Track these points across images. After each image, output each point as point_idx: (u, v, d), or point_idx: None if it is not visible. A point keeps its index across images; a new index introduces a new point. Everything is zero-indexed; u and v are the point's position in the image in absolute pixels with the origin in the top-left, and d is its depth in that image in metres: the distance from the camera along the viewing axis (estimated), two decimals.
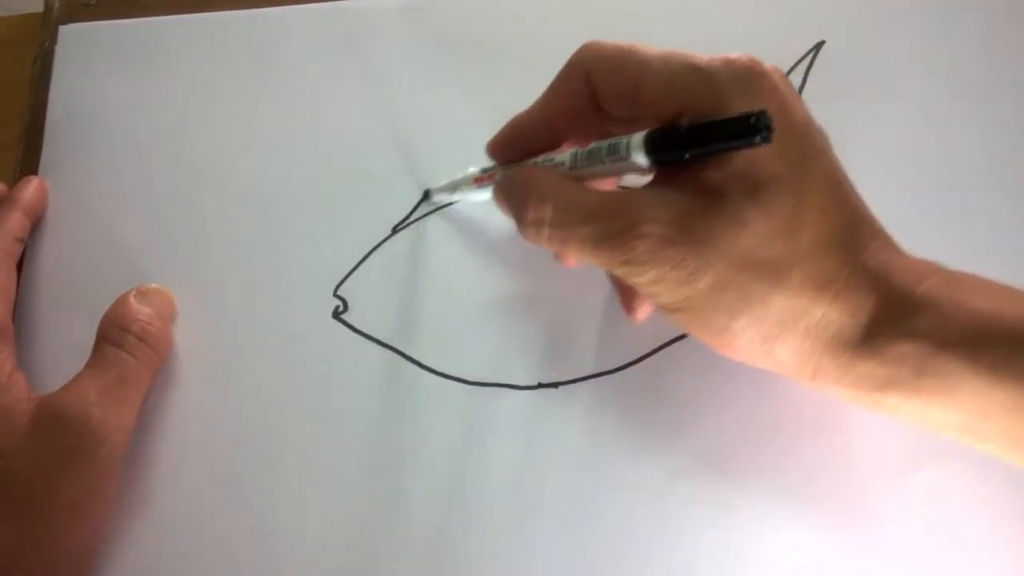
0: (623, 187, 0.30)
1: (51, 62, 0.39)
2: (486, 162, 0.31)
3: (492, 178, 0.30)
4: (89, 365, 0.31)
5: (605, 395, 0.32)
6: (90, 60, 0.39)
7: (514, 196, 0.27)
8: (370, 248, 0.35)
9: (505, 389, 0.32)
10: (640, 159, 0.24)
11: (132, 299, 0.33)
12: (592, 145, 0.26)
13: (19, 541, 0.29)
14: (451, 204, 0.35)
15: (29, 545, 0.29)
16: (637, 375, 0.32)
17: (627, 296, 0.31)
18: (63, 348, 0.34)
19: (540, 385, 0.32)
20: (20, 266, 0.36)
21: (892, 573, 0.29)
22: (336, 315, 0.34)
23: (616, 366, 0.32)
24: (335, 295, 0.34)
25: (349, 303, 0.34)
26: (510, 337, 0.33)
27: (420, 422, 0.32)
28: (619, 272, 0.25)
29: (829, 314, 0.24)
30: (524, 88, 0.37)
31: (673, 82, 0.25)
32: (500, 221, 0.35)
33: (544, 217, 0.26)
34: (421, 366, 0.33)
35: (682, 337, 0.32)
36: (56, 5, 0.41)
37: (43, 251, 0.36)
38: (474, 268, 0.34)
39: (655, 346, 0.32)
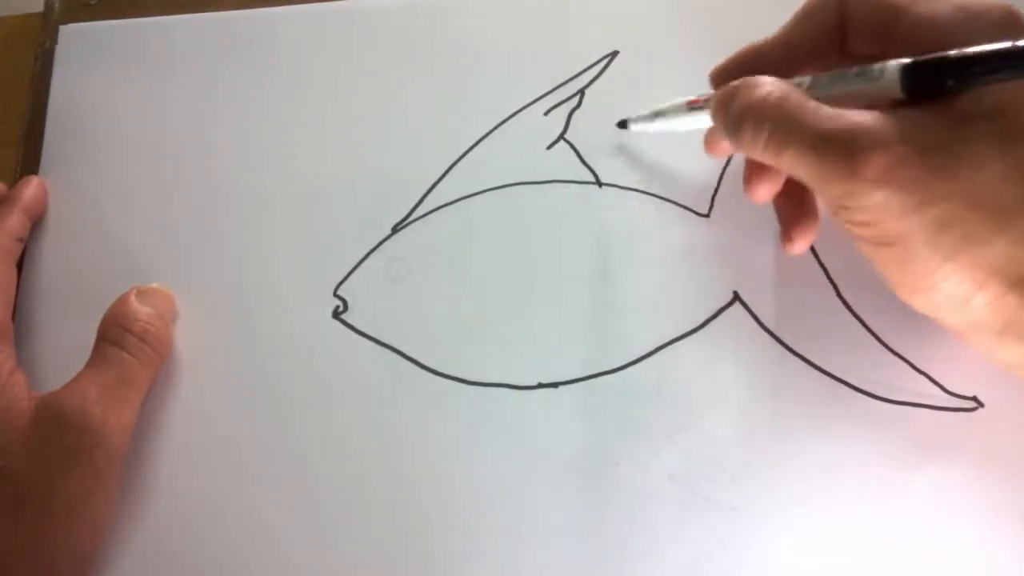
0: None
1: (51, 62, 0.39)
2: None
3: (708, 101, 0.29)
4: (89, 365, 0.31)
5: (605, 395, 0.32)
6: (90, 60, 0.39)
7: (737, 98, 0.26)
8: (370, 248, 0.35)
9: (505, 389, 0.32)
10: (894, 84, 0.24)
11: (133, 299, 0.33)
12: (837, 70, 0.26)
13: (19, 541, 0.29)
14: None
15: (29, 545, 0.29)
16: (637, 375, 0.32)
17: (791, 223, 0.31)
18: (63, 348, 0.34)
19: (540, 385, 0.32)
20: (20, 266, 0.36)
21: (892, 573, 0.29)
22: (336, 315, 0.34)
23: (616, 366, 0.32)
24: (335, 295, 0.34)
25: (349, 303, 0.34)
26: (510, 337, 0.33)
27: (420, 422, 0.32)
28: (836, 191, 0.24)
29: None
30: (524, 87, 0.37)
31: (936, 17, 0.25)
32: (504, 219, 0.35)
33: (767, 115, 0.25)
34: (421, 366, 0.33)
35: (683, 337, 0.32)
36: (56, 5, 0.41)
37: (43, 251, 0.36)
38: (474, 268, 0.34)
39: (655, 346, 0.32)
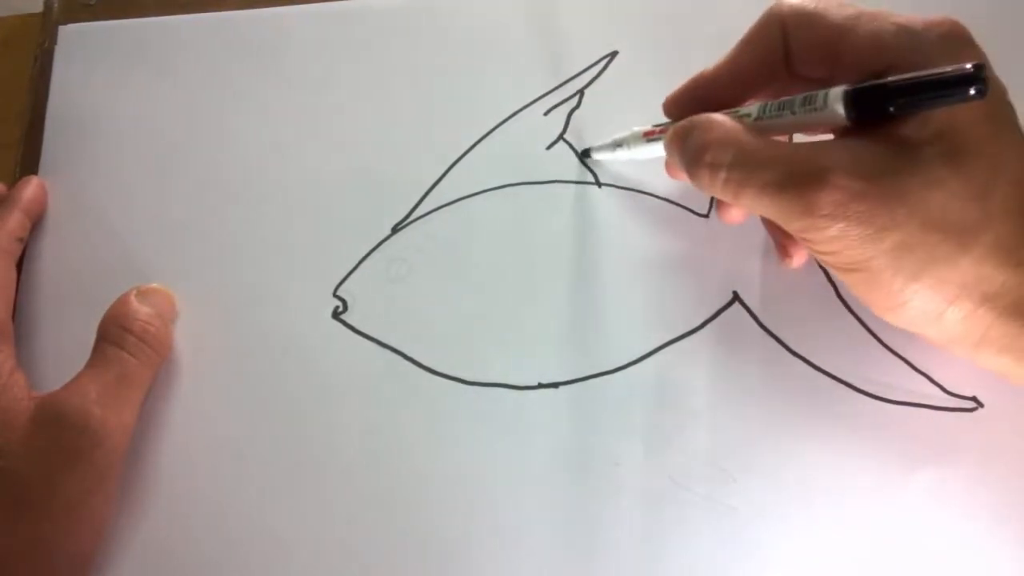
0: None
1: (51, 62, 0.39)
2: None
3: (664, 132, 0.30)
4: (89, 365, 0.31)
5: (605, 395, 0.32)
6: (90, 60, 0.39)
7: (691, 139, 0.27)
8: (370, 248, 0.35)
9: (505, 389, 0.32)
10: (839, 111, 0.24)
11: (132, 299, 0.33)
12: (784, 98, 0.26)
13: (19, 541, 0.29)
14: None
15: (29, 545, 0.29)
16: (637, 375, 0.32)
17: (783, 239, 0.31)
18: (63, 348, 0.34)
19: (540, 385, 0.32)
20: (20, 266, 0.36)
21: (891, 573, 0.29)
22: (336, 315, 0.34)
23: (616, 366, 0.32)
24: (335, 295, 0.34)
25: (349, 303, 0.34)
26: (510, 337, 0.33)
27: (419, 422, 0.32)
28: (796, 226, 0.25)
29: (1009, 282, 0.24)
30: (524, 87, 0.37)
31: (880, 38, 0.25)
32: (504, 219, 0.35)
33: (723, 160, 0.25)
34: (420, 366, 0.33)
35: (683, 337, 0.32)
36: (56, 5, 0.41)
37: (43, 251, 0.36)
38: (474, 268, 0.34)
39: (655, 346, 0.32)
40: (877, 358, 0.31)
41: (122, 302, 0.33)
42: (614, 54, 0.37)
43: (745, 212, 0.31)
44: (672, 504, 0.30)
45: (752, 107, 0.27)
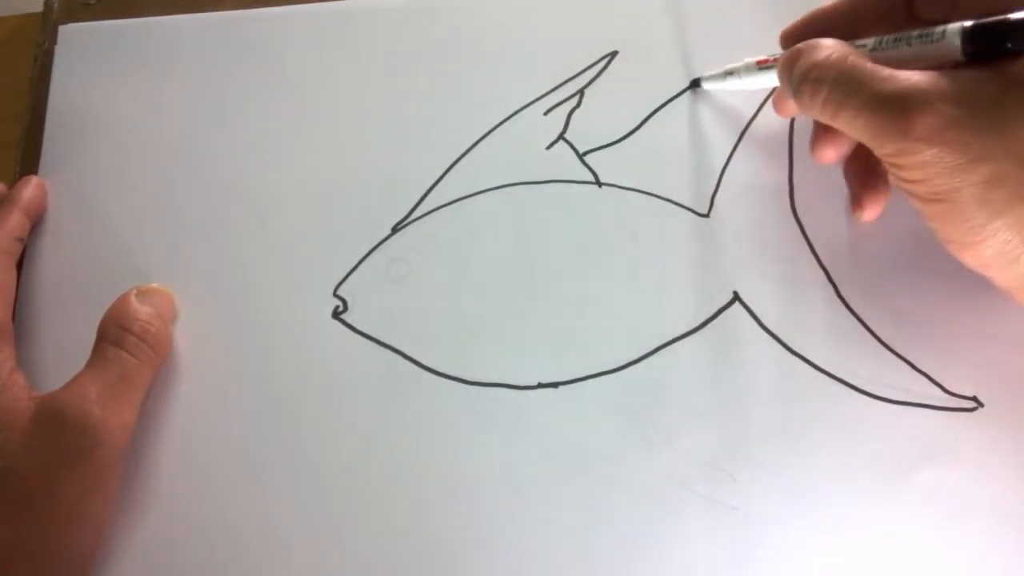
0: None
1: (51, 62, 0.39)
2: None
3: (777, 61, 0.30)
4: (89, 365, 0.31)
5: (605, 395, 0.32)
6: (90, 60, 0.39)
7: (801, 59, 0.27)
8: (370, 248, 0.35)
9: (505, 389, 0.32)
10: (955, 43, 0.24)
11: (132, 299, 0.33)
12: (900, 32, 0.26)
13: (19, 541, 0.29)
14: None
15: (29, 545, 0.29)
16: (637, 375, 0.32)
17: (861, 190, 0.31)
18: (63, 348, 0.34)
19: (540, 385, 0.32)
20: (20, 266, 0.36)
21: (891, 573, 0.29)
22: (336, 315, 0.34)
23: (616, 366, 0.32)
24: (335, 295, 0.34)
25: (349, 303, 0.34)
26: (510, 337, 0.33)
27: (420, 422, 0.32)
28: (888, 149, 0.25)
29: None
30: (524, 87, 0.37)
31: None
32: (504, 219, 0.35)
33: (826, 77, 0.26)
34: (420, 366, 0.33)
35: (683, 337, 0.32)
36: (56, 5, 0.41)
37: (43, 251, 0.36)
38: (474, 268, 0.34)
39: (655, 346, 0.32)
40: (877, 358, 0.31)
41: (122, 302, 0.33)
42: (614, 54, 0.37)
43: (839, 149, 0.31)
44: (672, 504, 0.30)
45: (868, 40, 0.28)
